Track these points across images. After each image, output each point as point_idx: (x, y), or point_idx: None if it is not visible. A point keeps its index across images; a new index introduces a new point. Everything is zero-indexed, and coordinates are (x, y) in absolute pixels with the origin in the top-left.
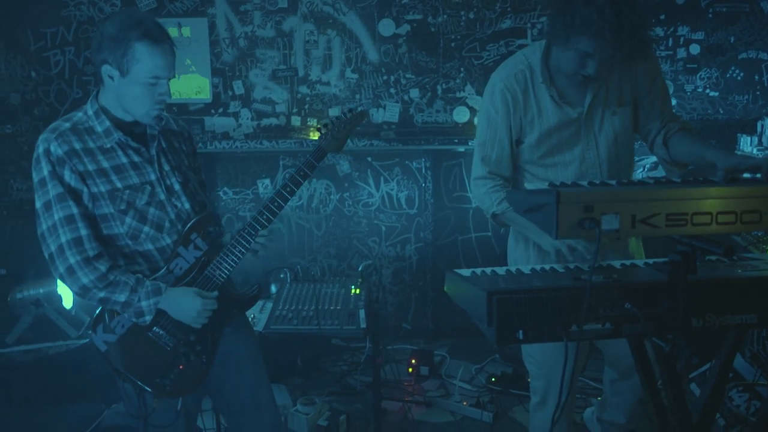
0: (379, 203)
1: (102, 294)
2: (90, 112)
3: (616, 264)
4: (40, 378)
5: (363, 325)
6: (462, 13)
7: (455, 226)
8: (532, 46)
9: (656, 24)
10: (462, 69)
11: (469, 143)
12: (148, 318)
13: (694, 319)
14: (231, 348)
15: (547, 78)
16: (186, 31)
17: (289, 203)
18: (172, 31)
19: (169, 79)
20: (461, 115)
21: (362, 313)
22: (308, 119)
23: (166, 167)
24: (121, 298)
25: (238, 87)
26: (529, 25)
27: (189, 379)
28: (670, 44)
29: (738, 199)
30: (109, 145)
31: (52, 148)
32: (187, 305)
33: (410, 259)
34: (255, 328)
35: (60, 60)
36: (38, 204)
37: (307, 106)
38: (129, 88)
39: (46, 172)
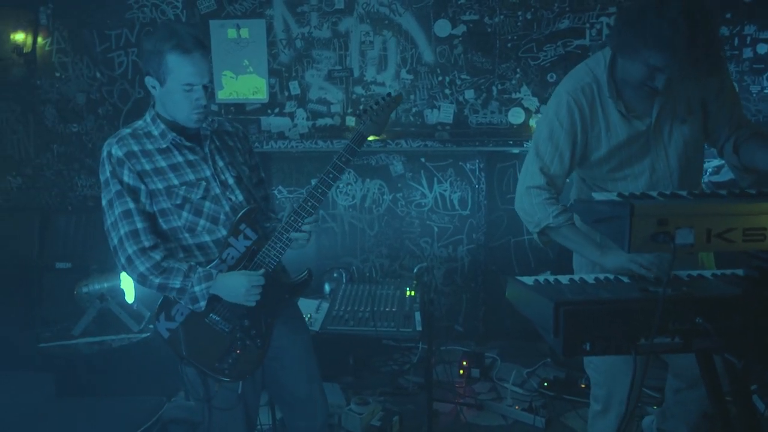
0: (431, 204)
1: (158, 280)
2: (148, 119)
3: (683, 274)
4: (104, 369)
5: (419, 328)
6: (519, 13)
7: (508, 228)
8: (595, 57)
9: (722, 23)
10: (518, 70)
11: (525, 145)
12: (203, 303)
13: None
14: (287, 343)
15: (614, 92)
16: (244, 32)
17: (343, 203)
18: (231, 33)
19: (205, 85)
20: (516, 116)
21: (418, 315)
22: None
23: (221, 163)
24: (176, 284)
25: (294, 87)
26: (588, 25)
27: (246, 363)
28: (735, 44)
29: None
30: (165, 146)
31: (113, 151)
32: (236, 284)
33: (462, 260)
34: (312, 328)
35: (123, 61)
36: (104, 201)
37: (361, 107)
38: (168, 96)
39: (108, 173)
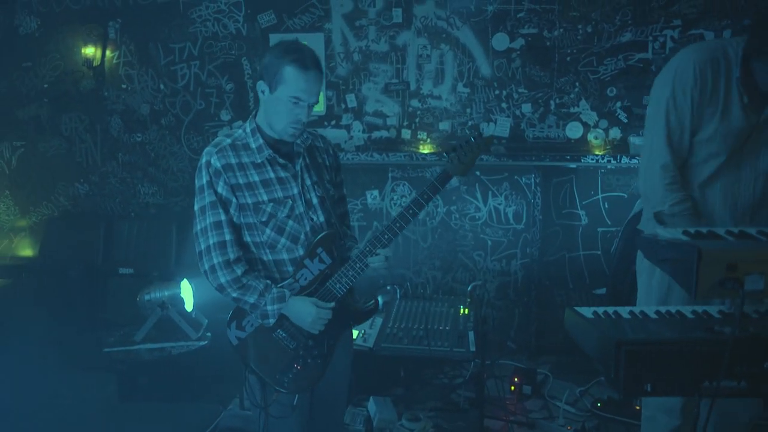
0: (486, 217)
1: (235, 294)
2: (248, 130)
3: (750, 311)
4: (163, 375)
5: (473, 349)
6: (579, 26)
7: (563, 243)
8: (732, 39)
9: None
10: (577, 84)
11: (582, 160)
12: (272, 321)
13: None
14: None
15: (742, 82)
16: None
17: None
18: None
19: (311, 105)
20: (574, 130)
21: (471, 335)
22: (418, 132)
23: (308, 182)
24: (251, 300)
25: (351, 100)
26: (651, 38)
27: (305, 379)
28: None
29: None
30: (260, 161)
31: (212, 161)
32: (305, 313)
33: (515, 274)
34: (365, 344)
35: (186, 73)
36: (196, 207)
37: (417, 120)
38: (273, 104)
39: (204, 181)
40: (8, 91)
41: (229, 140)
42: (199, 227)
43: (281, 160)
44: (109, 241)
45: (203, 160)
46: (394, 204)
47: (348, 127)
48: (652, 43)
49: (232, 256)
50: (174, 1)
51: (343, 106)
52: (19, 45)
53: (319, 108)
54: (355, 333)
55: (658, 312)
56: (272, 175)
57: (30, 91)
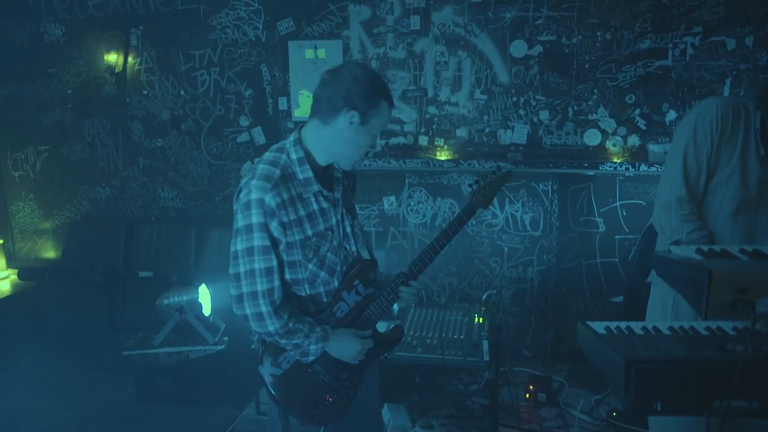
0: (502, 224)
1: (283, 341)
2: (293, 157)
3: (763, 327)
4: (181, 379)
5: (486, 358)
6: (598, 33)
7: (580, 251)
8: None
9: None
10: (595, 91)
11: (600, 167)
12: (311, 359)
13: None
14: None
15: (760, 133)
16: (321, 53)
17: (413, 221)
18: (308, 53)
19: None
20: (592, 138)
21: (485, 344)
22: (435, 139)
23: (343, 210)
24: (297, 341)
25: None
26: (671, 45)
27: (334, 411)
28: None
29: None
30: (306, 196)
31: (266, 199)
32: (349, 347)
33: (532, 281)
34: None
35: (206, 79)
36: (240, 246)
37: (435, 126)
38: (358, 136)
39: (255, 221)
40: (33, 97)
41: (278, 171)
42: (243, 269)
43: (326, 192)
44: (130, 244)
45: (254, 197)
46: (411, 210)
47: None
48: (672, 50)
49: (278, 301)
50: (195, 9)
51: None
52: (44, 52)
53: None
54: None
55: (671, 328)
56: (316, 207)
57: (54, 97)
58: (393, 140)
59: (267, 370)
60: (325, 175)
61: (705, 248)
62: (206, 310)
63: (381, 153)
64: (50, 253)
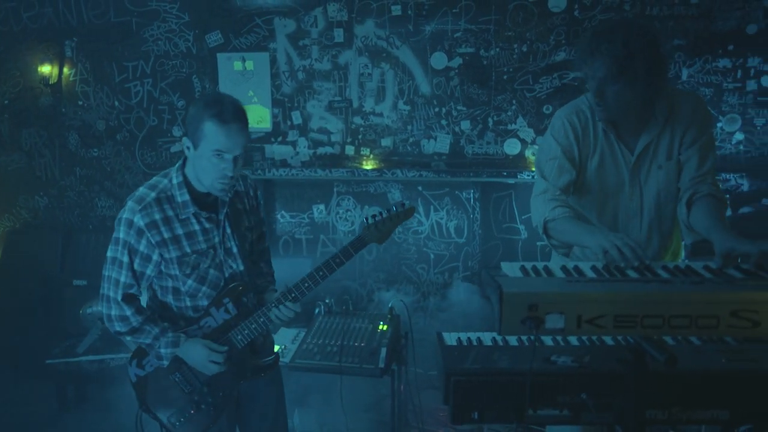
0: (428, 231)
1: (129, 338)
2: (174, 182)
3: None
4: (102, 386)
5: (381, 365)
6: (515, 45)
7: (503, 257)
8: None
9: (724, 55)
10: (514, 101)
11: (518, 176)
12: (166, 363)
13: (657, 412)
14: (259, 392)
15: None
16: (249, 65)
17: (342, 228)
18: (237, 65)
19: (236, 157)
20: (512, 147)
21: (383, 351)
22: (361, 149)
23: (228, 230)
24: (145, 340)
25: (297, 117)
26: None
27: (196, 425)
28: (739, 76)
29: (695, 304)
30: (184, 217)
31: (135, 220)
32: (196, 354)
33: (458, 287)
34: (283, 360)
35: (139, 90)
36: (109, 254)
37: (360, 136)
38: (198, 160)
39: (122, 236)
40: None
41: (153, 194)
42: (105, 273)
43: (205, 214)
44: (67, 252)
45: (124, 216)
46: (340, 218)
47: (294, 144)
48: None
49: (127, 307)
50: (127, 21)
51: (289, 122)
52: None
53: (266, 125)
54: (276, 347)
55: (519, 339)
56: (197, 227)
57: None
58: (320, 150)
59: (132, 371)
60: (212, 197)
61: (529, 266)
62: None
63: (309, 162)
64: None
